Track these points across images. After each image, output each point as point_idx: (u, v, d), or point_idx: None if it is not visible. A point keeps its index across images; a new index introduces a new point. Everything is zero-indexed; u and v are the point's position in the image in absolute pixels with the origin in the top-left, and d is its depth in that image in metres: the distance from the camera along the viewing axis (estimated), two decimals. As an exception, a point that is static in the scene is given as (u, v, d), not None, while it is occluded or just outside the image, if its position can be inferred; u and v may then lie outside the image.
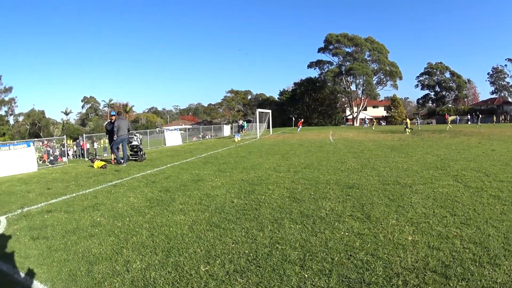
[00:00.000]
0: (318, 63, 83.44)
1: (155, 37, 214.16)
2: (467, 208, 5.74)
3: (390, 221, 5.21)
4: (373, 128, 49.14)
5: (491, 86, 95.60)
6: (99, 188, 8.93)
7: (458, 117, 69.99)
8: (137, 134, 15.81)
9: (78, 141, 30.02)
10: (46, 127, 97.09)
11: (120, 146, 14.53)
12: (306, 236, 4.73)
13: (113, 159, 14.74)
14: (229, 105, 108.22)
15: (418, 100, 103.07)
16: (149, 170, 11.86)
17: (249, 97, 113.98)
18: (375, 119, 63.31)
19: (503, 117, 67.63)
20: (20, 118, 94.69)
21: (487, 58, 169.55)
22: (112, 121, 14.53)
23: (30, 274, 3.94)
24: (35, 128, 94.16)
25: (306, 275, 3.60)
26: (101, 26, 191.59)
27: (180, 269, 3.88)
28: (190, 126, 63.80)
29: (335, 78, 78.57)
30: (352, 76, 77.41)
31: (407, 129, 32.75)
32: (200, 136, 39.90)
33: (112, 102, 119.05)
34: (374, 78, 76.96)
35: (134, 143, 15.33)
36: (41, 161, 21.68)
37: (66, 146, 22.98)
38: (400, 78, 77.94)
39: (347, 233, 4.77)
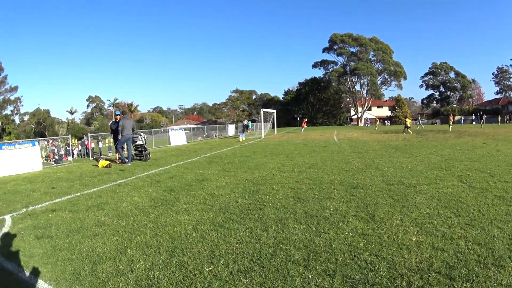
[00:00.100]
0: (322, 63, 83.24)
1: (161, 36, 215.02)
2: (471, 209, 5.71)
3: (394, 222, 5.20)
4: (376, 128, 48.89)
5: (496, 86, 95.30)
6: (104, 188, 8.96)
7: (462, 117, 69.66)
8: (142, 134, 15.84)
9: (83, 140, 30.15)
10: (51, 126, 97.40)
11: (125, 146, 14.56)
12: (310, 236, 4.73)
13: (117, 158, 14.78)
14: (234, 105, 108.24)
15: (422, 100, 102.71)
16: (154, 170, 11.89)
17: (254, 97, 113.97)
18: (378, 119, 62.89)
19: (508, 118, 67.19)
20: (26, 117, 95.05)
21: (492, 58, 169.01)
22: (117, 120, 14.57)
23: (35, 273, 3.96)
24: (40, 127, 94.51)
25: (310, 276, 3.60)
26: (107, 25, 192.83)
27: (184, 269, 3.88)
28: (195, 126, 63.81)
29: (340, 78, 78.34)
30: (356, 76, 77.12)
31: (408, 129, 32.71)
32: (204, 135, 39.95)
33: (117, 101, 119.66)
34: (378, 78, 76.65)
35: (139, 142, 15.35)
36: (48, 161, 21.84)
37: (71, 145, 23.08)
38: (405, 78, 77.67)
39: (351, 234, 4.76)
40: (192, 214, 6.05)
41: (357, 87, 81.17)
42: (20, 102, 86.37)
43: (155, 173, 11.09)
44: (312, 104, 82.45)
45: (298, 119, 70.27)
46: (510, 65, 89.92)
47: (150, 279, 3.67)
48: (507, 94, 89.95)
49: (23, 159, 13.28)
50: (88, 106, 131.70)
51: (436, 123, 75.21)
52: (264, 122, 35.93)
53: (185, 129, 33.12)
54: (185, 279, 3.65)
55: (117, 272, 3.87)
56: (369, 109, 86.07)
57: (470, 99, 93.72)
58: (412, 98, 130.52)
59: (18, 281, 3.86)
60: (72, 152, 22.56)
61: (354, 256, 4.03)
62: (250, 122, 51.96)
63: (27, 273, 3.99)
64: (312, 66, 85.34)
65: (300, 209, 6.11)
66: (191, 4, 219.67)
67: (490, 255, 3.89)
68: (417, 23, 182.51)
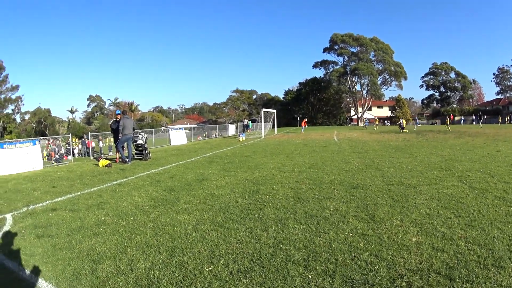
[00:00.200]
0: (323, 63, 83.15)
1: (161, 36, 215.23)
2: (471, 210, 5.72)
3: (394, 222, 5.20)
4: (375, 128, 48.76)
5: (496, 86, 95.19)
6: (104, 187, 8.97)
7: (463, 118, 69.62)
8: (142, 133, 15.86)
9: (83, 139, 30.06)
10: (52, 126, 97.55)
11: (125, 145, 14.58)
12: (310, 236, 4.74)
13: (118, 157, 14.80)
14: (234, 105, 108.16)
15: (422, 100, 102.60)
16: (154, 169, 11.90)
17: (254, 96, 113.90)
18: (378, 119, 62.63)
19: (508, 118, 67.12)
20: (27, 116, 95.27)
21: (493, 59, 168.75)
22: (118, 120, 14.60)
23: (35, 271, 3.97)
24: (41, 126, 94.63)
25: (310, 276, 3.60)
26: (108, 25, 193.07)
27: (184, 268, 3.89)
28: (195, 125, 63.86)
29: (340, 78, 78.25)
30: (357, 76, 77.06)
31: (403, 130, 32.79)
32: (204, 135, 39.94)
33: (117, 100, 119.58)
34: (379, 78, 76.58)
35: (139, 142, 15.37)
36: (49, 159, 21.82)
37: (72, 144, 23.07)
38: (405, 79, 77.57)
39: (351, 234, 4.76)
40: (192, 214, 6.06)
41: (358, 87, 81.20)
42: (21, 101, 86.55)
43: (155, 173, 11.10)
44: (312, 104, 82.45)
45: (298, 119, 70.22)
46: (511, 65, 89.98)
47: (150, 279, 3.67)
48: (508, 95, 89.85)
49: (24, 158, 13.31)
50: (88, 105, 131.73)
51: (436, 123, 75.17)
52: (264, 122, 35.95)
53: (185, 128, 33.08)
54: (185, 279, 3.66)
55: (117, 271, 3.87)
56: (369, 109, 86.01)
57: (470, 100, 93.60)
58: (412, 98, 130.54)
59: (19, 280, 3.87)
60: (73, 151, 22.53)
61: (354, 256, 4.03)
62: (250, 122, 52.01)
63: (28, 272, 4.00)
64: (313, 66, 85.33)
65: (300, 209, 6.11)
66: (191, 4, 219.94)
67: (490, 256, 3.90)
68: (417, 23, 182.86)
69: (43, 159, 16.39)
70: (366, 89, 78.84)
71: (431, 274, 3.52)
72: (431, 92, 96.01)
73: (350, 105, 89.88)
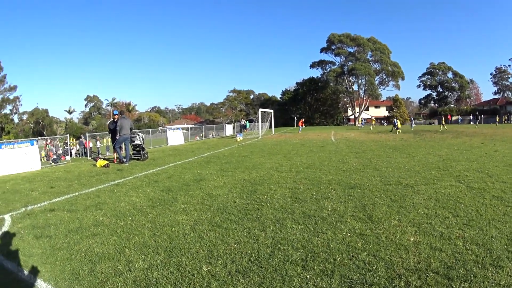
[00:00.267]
0: (320, 63, 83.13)
1: (158, 36, 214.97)
2: (469, 209, 5.74)
3: (392, 222, 5.21)
4: (371, 128, 48.69)
5: (494, 86, 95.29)
6: (102, 187, 8.95)
7: (460, 118, 69.77)
8: (140, 133, 15.84)
9: (81, 139, 30.04)
10: (49, 126, 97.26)
11: (123, 145, 14.57)
12: (308, 236, 4.74)
13: (115, 158, 14.77)
14: (231, 105, 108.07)
15: (420, 100, 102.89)
16: (152, 170, 11.88)
17: (252, 96, 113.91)
18: (375, 119, 62.50)
19: (506, 118, 67.35)
20: (24, 117, 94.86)
21: (490, 58, 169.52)
22: (115, 120, 14.57)
23: (34, 272, 3.97)
24: (39, 126, 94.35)
25: (308, 276, 3.61)
26: (105, 25, 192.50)
27: (182, 269, 3.89)
28: (193, 126, 63.84)
29: (337, 78, 78.29)
30: (354, 76, 77.07)
31: (397, 130, 32.89)
32: (201, 135, 39.90)
33: (115, 101, 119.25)
34: (376, 78, 76.66)
35: (137, 142, 15.35)
36: (48, 160, 21.81)
37: (69, 144, 23.04)
38: (402, 78, 77.63)
39: (349, 234, 4.77)
40: (190, 214, 6.06)
41: (355, 87, 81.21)
42: (19, 101, 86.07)
43: (153, 173, 11.09)
44: (309, 104, 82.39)
45: (296, 119, 70.20)
46: (509, 65, 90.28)
47: (149, 279, 3.67)
48: (505, 94, 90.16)
49: (22, 158, 13.29)
50: (86, 106, 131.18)
51: (433, 123, 75.29)
52: (262, 122, 35.93)
53: (182, 129, 33.06)
54: (184, 279, 3.66)
55: (116, 272, 3.87)
56: (367, 109, 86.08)
57: (468, 99, 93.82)
58: (409, 98, 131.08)
59: (18, 280, 3.87)
60: (70, 152, 22.53)
61: (352, 256, 4.04)
62: (247, 122, 51.98)
63: (27, 272, 4.00)
64: (310, 66, 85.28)
65: (298, 209, 6.12)
66: (189, 4, 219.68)
67: (488, 255, 3.91)
68: (415, 23, 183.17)
69: (41, 160, 16.34)
70: (363, 89, 78.89)
71: (430, 274, 3.53)
72: (429, 92, 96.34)
73: (347, 105, 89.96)
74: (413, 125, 46.90)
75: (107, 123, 16.62)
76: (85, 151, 23.63)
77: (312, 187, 7.95)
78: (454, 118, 71.64)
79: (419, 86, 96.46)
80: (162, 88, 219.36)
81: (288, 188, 7.98)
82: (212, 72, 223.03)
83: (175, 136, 27.62)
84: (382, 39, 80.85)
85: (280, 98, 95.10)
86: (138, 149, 15.44)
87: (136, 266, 4.00)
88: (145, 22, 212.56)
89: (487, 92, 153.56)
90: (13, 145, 13.40)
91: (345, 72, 76.87)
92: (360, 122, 60.87)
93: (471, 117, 71.08)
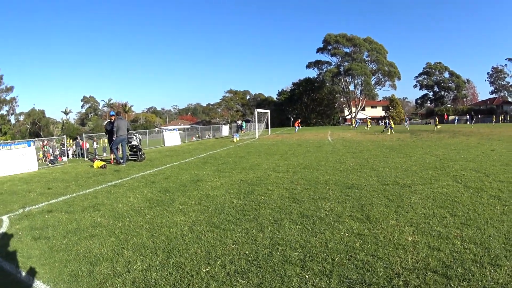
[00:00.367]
0: (316, 63, 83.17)
1: (155, 37, 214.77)
2: (467, 209, 5.76)
3: (390, 222, 5.22)
4: (366, 128, 48.61)
5: (490, 86, 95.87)
6: (99, 188, 8.93)
7: (457, 117, 69.93)
8: (137, 134, 15.80)
9: (77, 140, 29.96)
10: (46, 127, 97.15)
11: (120, 146, 14.52)
12: (306, 236, 4.75)
13: (112, 159, 14.73)
14: (227, 105, 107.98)
15: (416, 100, 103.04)
16: (149, 170, 11.86)
17: (248, 97, 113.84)
18: (371, 119, 62.32)
19: (502, 117, 67.60)
20: (21, 118, 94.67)
21: (487, 58, 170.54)
22: (112, 121, 14.53)
23: (33, 273, 3.96)
24: (36, 127, 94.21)
25: (306, 276, 3.61)
26: (101, 26, 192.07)
27: (181, 270, 3.89)
28: (189, 126, 63.65)
29: (334, 78, 78.31)
30: (350, 76, 77.18)
31: (391, 130, 32.95)
32: (198, 135, 39.83)
33: (111, 101, 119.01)
34: (372, 78, 76.75)
35: (134, 143, 15.32)
36: (45, 160, 21.76)
37: (66, 145, 22.98)
38: (399, 78, 77.81)
39: (347, 234, 4.78)
40: (188, 215, 6.05)
41: (351, 87, 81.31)
42: (16, 102, 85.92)
43: (150, 174, 11.07)
44: (306, 104, 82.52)
45: (292, 119, 70.22)
46: (505, 64, 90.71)
47: (148, 280, 3.67)
48: (502, 94, 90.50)
49: (19, 159, 13.24)
50: (82, 107, 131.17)
51: (430, 123, 75.47)
52: (258, 122, 35.90)
53: (179, 129, 33.01)
54: (183, 280, 3.65)
55: (115, 273, 3.86)
56: (363, 109, 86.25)
57: (464, 99, 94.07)
58: (406, 98, 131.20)
59: (16, 282, 3.86)
60: (67, 153, 22.45)
61: (351, 256, 4.05)
62: (244, 122, 51.92)
63: (25, 274, 3.98)
64: (306, 67, 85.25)
65: (295, 210, 6.12)
66: (185, 4, 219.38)
67: (486, 254, 3.93)
68: (411, 23, 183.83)
69: (38, 160, 16.29)
70: (359, 89, 79.05)
71: (428, 273, 3.54)
72: (425, 92, 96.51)
73: (343, 105, 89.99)
74: (407, 125, 47.05)
75: (104, 124, 16.58)
76: (82, 152, 23.58)
77: (310, 188, 7.96)
78: (450, 118, 71.81)
79: (415, 86, 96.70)
80: (158, 88, 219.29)
81: (285, 188, 7.98)
82: (208, 72, 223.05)
83: (172, 137, 27.58)
84: (378, 39, 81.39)
85: (276, 98, 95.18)
86: (135, 150, 15.40)
87: (134, 267, 3.99)
88: (142, 23, 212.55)
89: (483, 91, 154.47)
90: (10, 146, 13.34)
91: (342, 72, 76.96)
92: (354, 123, 60.64)
93: (468, 116, 71.35)
